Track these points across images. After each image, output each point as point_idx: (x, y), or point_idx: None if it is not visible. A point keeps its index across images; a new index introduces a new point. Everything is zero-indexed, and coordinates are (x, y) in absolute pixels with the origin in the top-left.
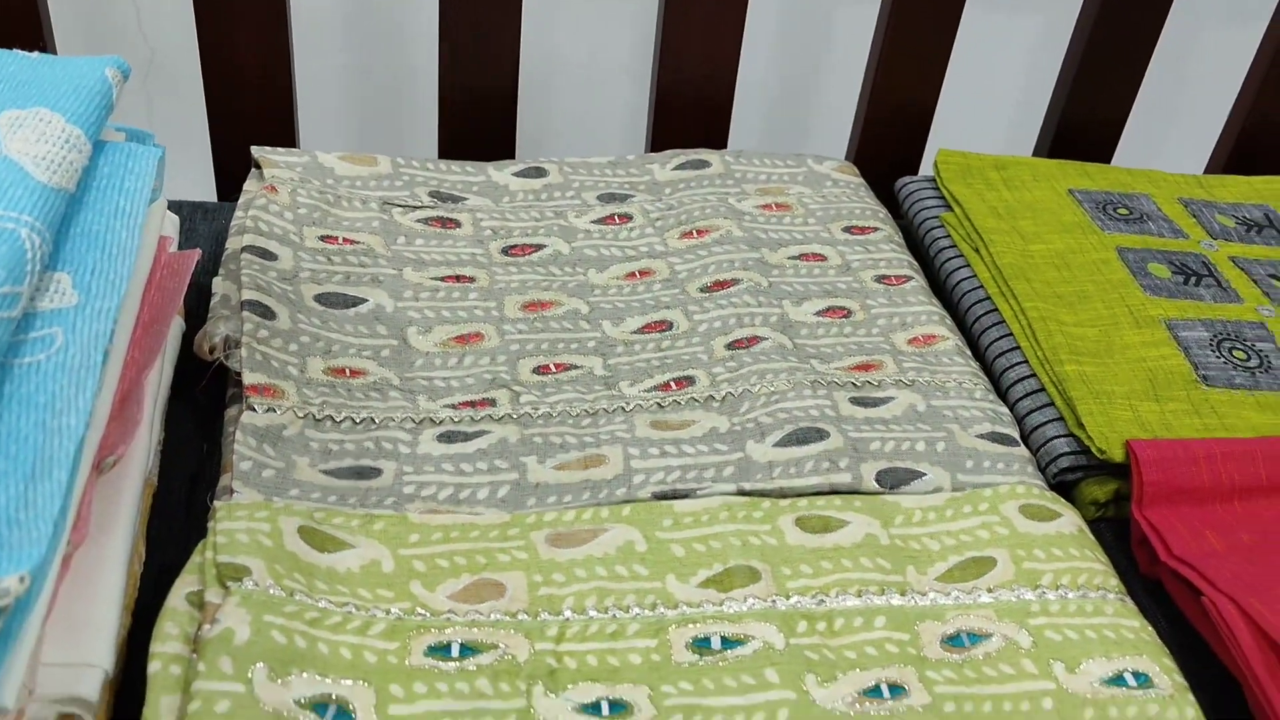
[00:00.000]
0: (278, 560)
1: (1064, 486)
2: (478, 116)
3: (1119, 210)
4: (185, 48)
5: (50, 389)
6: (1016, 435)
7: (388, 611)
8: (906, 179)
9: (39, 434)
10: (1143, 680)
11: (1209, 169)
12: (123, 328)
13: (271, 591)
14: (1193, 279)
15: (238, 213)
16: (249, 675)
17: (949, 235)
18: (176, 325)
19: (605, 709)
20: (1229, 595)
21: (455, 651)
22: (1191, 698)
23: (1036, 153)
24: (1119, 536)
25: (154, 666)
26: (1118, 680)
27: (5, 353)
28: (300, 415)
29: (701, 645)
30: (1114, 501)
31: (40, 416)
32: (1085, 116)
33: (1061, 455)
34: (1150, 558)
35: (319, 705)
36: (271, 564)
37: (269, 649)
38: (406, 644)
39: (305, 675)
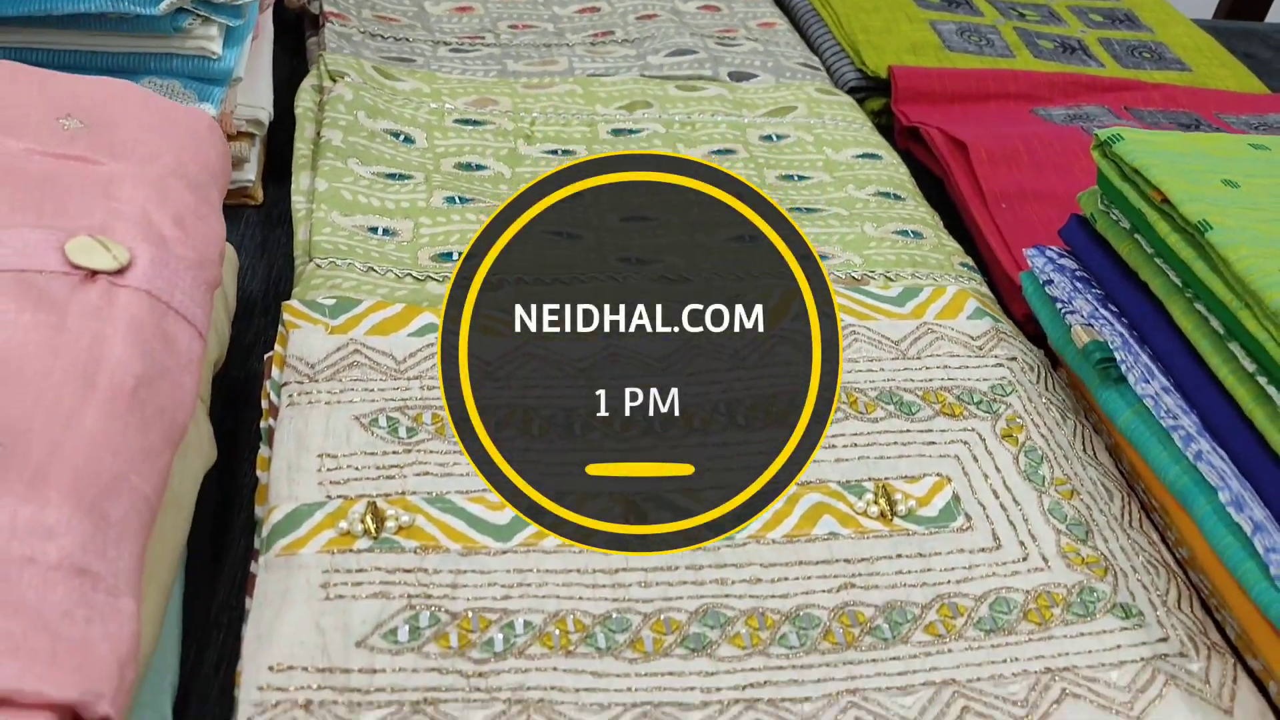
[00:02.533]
0: (362, 74)
1: None
2: None
3: None
4: None
5: None
6: (821, 67)
7: (430, 106)
8: None
9: None
10: (875, 157)
11: None
12: None
13: (362, 82)
14: (954, 6)
15: None
16: (355, 114)
17: None
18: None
19: (559, 153)
20: (938, 128)
21: (474, 117)
22: (905, 167)
23: None
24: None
25: (298, 110)
26: (862, 155)
27: None
28: (361, 31)
29: (616, 132)
30: (887, 112)
31: None
32: None
33: (850, 79)
34: (904, 136)
35: (394, 134)
36: (359, 73)
37: (365, 104)
38: (443, 116)
39: (386, 121)
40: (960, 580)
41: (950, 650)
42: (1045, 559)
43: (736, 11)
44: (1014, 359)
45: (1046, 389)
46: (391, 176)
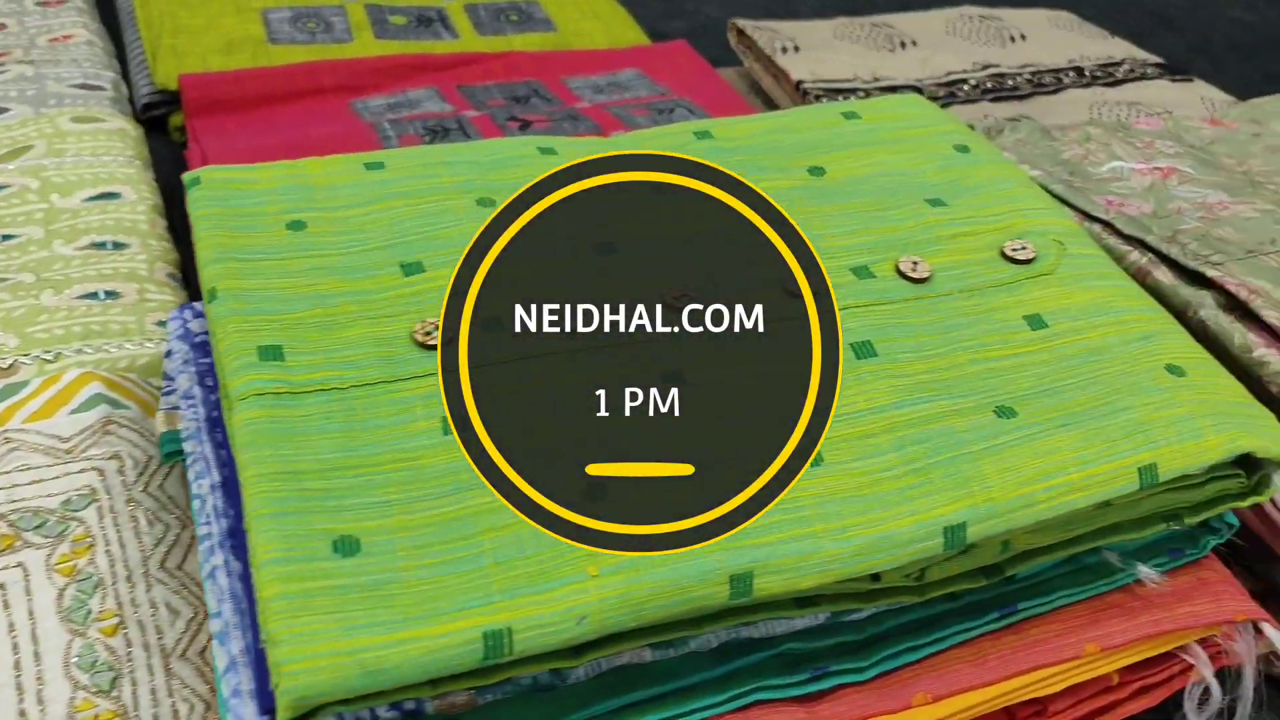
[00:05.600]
0: None
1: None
2: None
3: None
4: None
5: None
6: (110, 85)
7: None
8: None
9: None
10: (113, 196)
11: None
12: None
13: None
14: None
15: None
16: None
17: None
18: None
19: None
20: (199, 145)
21: None
22: (150, 203)
23: None
24: None
25: None
26: (96, 198)
27: None
28: None
29: None
30: None
31: None
32: None
33: (145, 94)
34: (201, 157)
35: None
36: None
37: None
38: None
39: None
40: None
41: None
42: None
43: (29, 27)
44: (115, 457)
45: (147, 488)
46: None
